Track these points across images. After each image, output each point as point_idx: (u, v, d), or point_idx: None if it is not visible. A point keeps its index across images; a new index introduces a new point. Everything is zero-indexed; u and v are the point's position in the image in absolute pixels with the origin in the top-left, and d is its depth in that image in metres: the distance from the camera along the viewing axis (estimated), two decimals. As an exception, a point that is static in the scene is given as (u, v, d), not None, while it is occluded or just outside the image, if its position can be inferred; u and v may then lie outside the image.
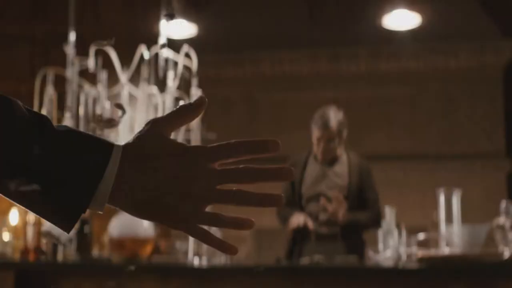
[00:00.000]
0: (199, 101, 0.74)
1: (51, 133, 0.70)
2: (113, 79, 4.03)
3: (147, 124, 0.72)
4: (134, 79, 4.04)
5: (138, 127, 3.89)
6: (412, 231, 3.61)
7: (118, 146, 0.71)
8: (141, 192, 0.70)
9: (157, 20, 4.46)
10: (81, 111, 3.94)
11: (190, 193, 0.71)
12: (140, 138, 0.72)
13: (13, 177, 0.68)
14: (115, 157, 0.70)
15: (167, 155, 0.71)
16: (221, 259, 3.61)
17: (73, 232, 3.83)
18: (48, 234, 3.49)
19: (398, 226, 3.40)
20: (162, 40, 4.11)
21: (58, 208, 0.69)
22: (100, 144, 0.70)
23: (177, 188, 0.70)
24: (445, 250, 3.30)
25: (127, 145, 0.71)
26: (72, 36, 4.20)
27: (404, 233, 3.39)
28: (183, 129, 3.90)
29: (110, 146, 0.70)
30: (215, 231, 3.60)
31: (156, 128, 0.72)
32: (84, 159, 0.69)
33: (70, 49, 4.12)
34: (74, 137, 0.71)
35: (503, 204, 3.38)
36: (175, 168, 0.71)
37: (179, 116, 0.73)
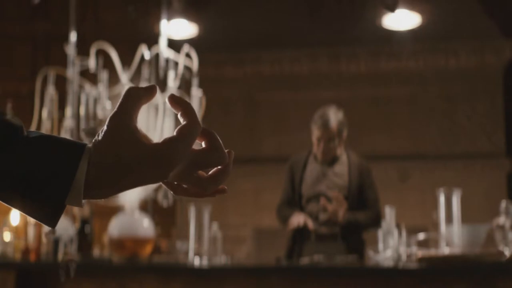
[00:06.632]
0: (151, 88, 0.76)
1: (24, 136, 0.74)
2: (114, 79, 4.04)
3: (110, 121, 0.74)
4: (135, 79, 4.05)
5: (138, 127, 3.89)
6: (412, 231, 3.61)
7: (89, 146, 0.75)
8: (112, 179, 0.73)
9: (157, 20, 4.47)
10: (82, 111, 3.95)
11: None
12: (106, 133, 0.74)
13: None
14: (85, 155, 0.73)
15: (125, 141, 0.73)
16: (221, 259, 3.62)
17: (74, 232, 3.84)
18: None
19: (398, 226, 3.40)
20: (162, 40, 4.11)
21: (38, 207, 0.74)
22: (72, 143, 0.74)
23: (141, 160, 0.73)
24: (445, 250, 3.30)
25: (95, 143, 0.74)
26: (73, 36, 4.20)
27: (404, 233, 3.39)
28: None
29: (82, 145, 0.74)
30: (215, 232, 3.61)
31: (119, 122, 0.74)
32: (56, 159, 0.73)
33: (70, 49, 4.13)
34: (47, 139, 0.75)
35: (503, 204, 3.39)
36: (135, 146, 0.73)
37: (135, 105, 0.75)
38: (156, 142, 0.74)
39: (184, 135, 0.73)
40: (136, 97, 0.75)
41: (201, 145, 0.77)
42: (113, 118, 0.74)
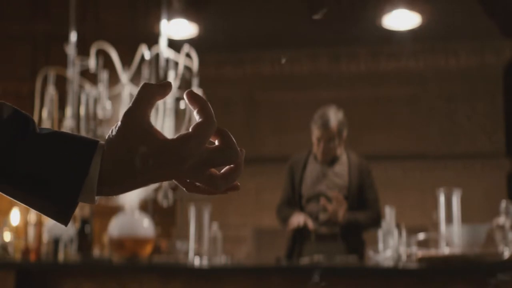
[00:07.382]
0: (166, 85, 0.76)
1: (37, 132, 0.74)
2: (114, 79, 4.04)
3: (124, 117, 0.74)
4: (135, 79, 4.05)
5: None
6: (412, 231, 3.61)
7: (101, 142, 0.74)
8: (124, 175, 0.74)
9: (157, 20, 4.47)
10: (82, 111, 3.95)
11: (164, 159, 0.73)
12: (120, 129, 0.74)
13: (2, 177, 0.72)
14: (98, 151, 0.73)
15: (139, 137, 0.73)
16: (221, 259, 3.62)
17: (74, 232, 3.83)
18: None
19: (398, 226, 3.40)
20: (162, 40, 4.12)
21: (50, 204, 0.73)
22: (84, 140, 0.74)
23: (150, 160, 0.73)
24: (445, 250, 3.30)
25: (108, 139, 0.74)
26: (73, 36, 4.20)
27: (404, 233, 3.39)
28: (184, 128, 3.91)
29: (94, 142, 0.74)
30: (215, 232, 3.61)
31: (134, 119, 0.74)
32: (69, 156, 0.73)
33: (71, 49, 4.13)
34: (60, 136, 0.74)
35: (503, 204, 3.39)
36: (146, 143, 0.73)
37: (149, 101, 0.75)
38: (170, 138, 0.74)
39: (198, 132, 0.74)
40: (150, 93, 0.75)
41: (215, 144, 0.77)
42: (127, 113, 0.74)
